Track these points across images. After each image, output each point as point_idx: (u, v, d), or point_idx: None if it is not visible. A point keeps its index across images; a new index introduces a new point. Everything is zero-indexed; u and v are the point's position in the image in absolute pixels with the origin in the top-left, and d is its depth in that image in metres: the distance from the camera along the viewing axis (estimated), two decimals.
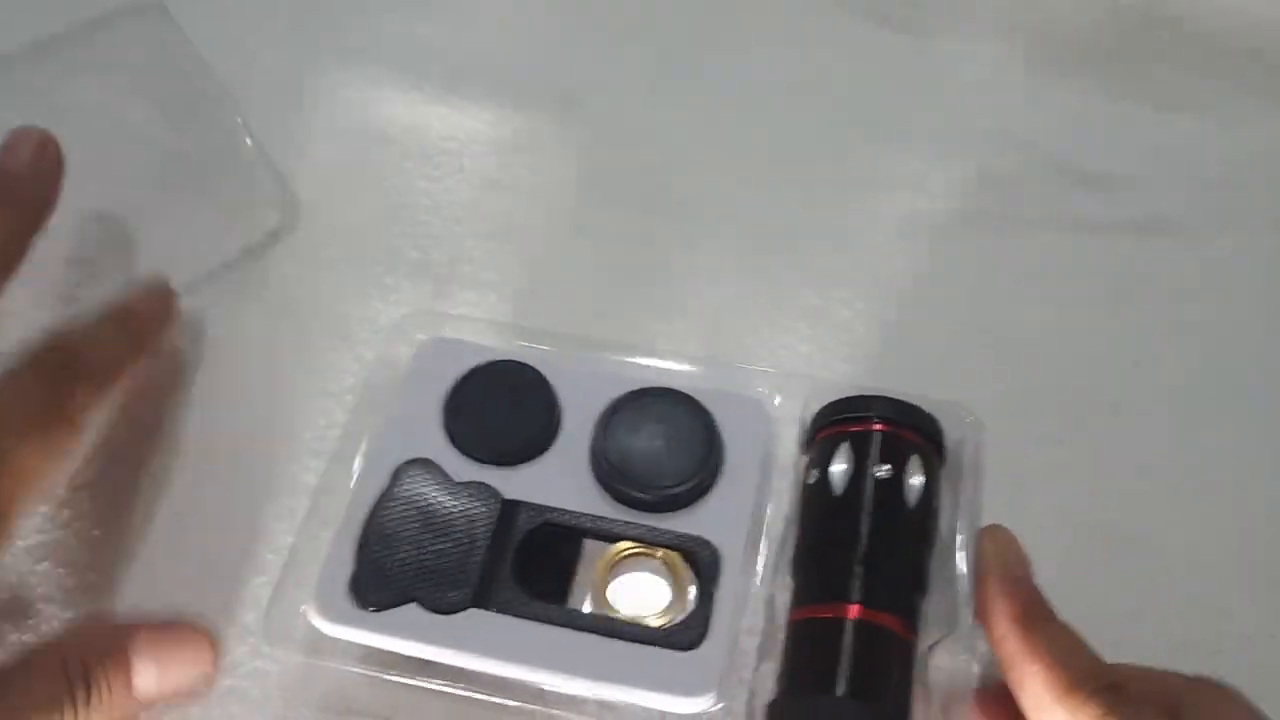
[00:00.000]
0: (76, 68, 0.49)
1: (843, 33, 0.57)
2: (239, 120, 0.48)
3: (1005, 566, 0.34)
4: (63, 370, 0.35)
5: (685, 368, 0.42)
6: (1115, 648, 0.41)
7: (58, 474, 0.35)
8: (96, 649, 0.33)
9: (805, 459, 0.39)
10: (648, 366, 0.42)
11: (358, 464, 0.39)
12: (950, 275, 0.50)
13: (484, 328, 0.43)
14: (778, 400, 0.41)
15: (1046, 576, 0.42)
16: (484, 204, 0.51)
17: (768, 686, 0.35)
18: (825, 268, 0.49)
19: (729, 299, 0.48)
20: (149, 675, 0.33)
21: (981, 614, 0.34)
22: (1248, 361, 0.48)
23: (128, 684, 0.33)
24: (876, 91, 0.56)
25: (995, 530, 0.35)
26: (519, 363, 0.40)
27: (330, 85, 0.54)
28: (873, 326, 0.48)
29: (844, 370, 0.46)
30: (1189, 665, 0.41)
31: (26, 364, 0.35)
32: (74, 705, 0.31)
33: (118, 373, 0.38)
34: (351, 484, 0.38)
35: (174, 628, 0.35)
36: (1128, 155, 0.54)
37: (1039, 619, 0.33)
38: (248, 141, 0.48)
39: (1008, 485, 0.44)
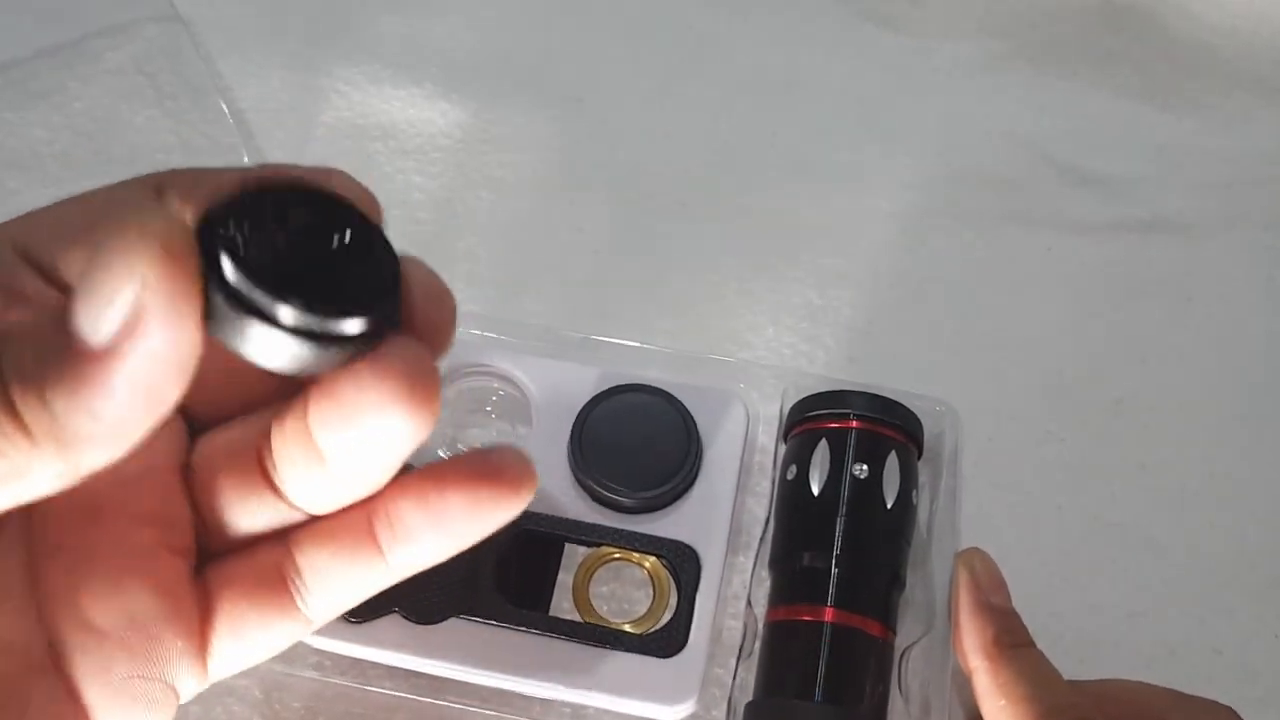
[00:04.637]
0: (91, 73, 0.49)
1: (842, 31, 0.57)
2: (237, 140, 0.49)
3: (979, 592, 0.33)
4: None
5: (663, 360, 0.41)
6: (1115, 648, 0.41)
7: None
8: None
9: (784, 449, 0.39)
10: (626, 359, 0.41)
11: None
12: (950, 274, 0.50)
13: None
14: (756, 393, 0.40)
15: (1047, 575, 0.42)
16: (483, 201, 0.51)
17: (747, 686, 0.35)
18: (825, 266, 0.49)
19: (728, 297, 0.48)
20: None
21: (955, 643, 0.33)
22: (1249, 360, 0.48)
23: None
24: (876, 90, 0.56)
25: (971, 554, 0.35)
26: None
27: (330, 84, 0.53)
28: (872, 325, 0.48)
29: (843, 369, 0.46)
30: (1189, 665, 0.41)
31: None
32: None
33: None
34: None
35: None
36: (1128, 155, 0.54)
37: (1011, 648, 0.32)
38: (245, 160, 0.49)
39: (1009, 484, 0.44)
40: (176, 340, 0.17)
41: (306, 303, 0.18)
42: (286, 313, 0.18)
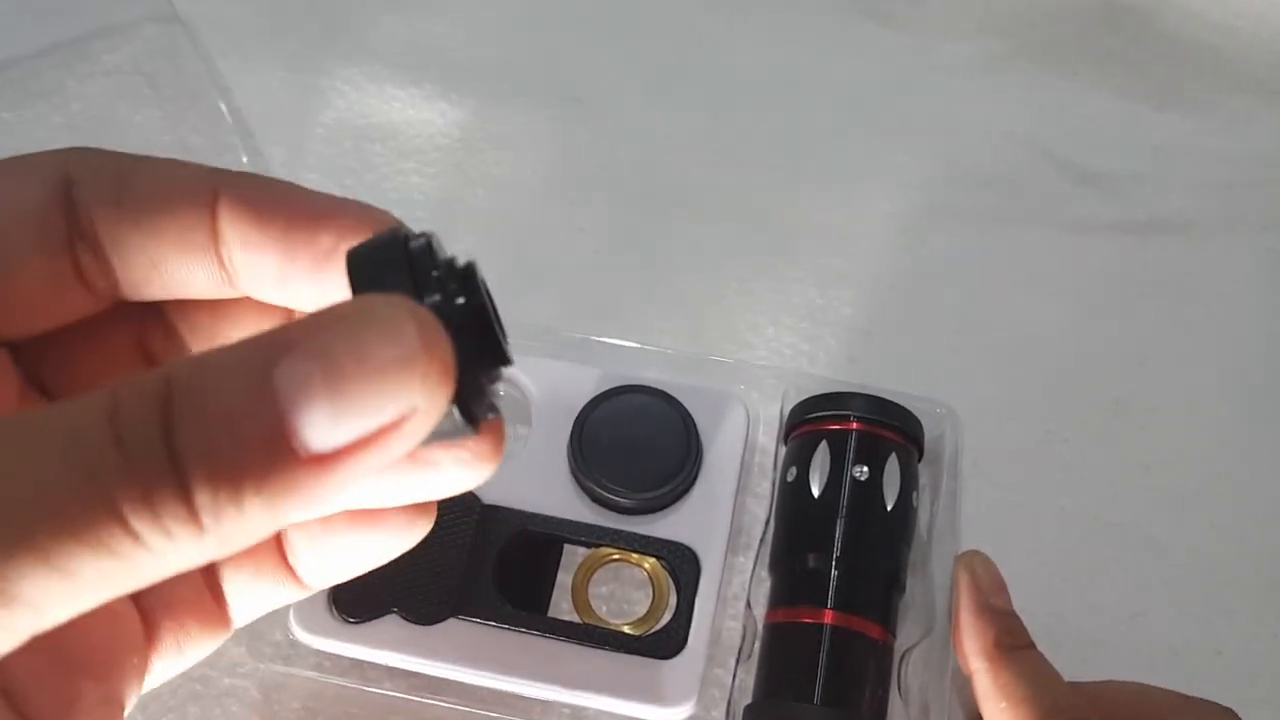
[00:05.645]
0: (90, 73, 0.49)
1: (842, 31, 0.57)
2: (236, 139, 0.49)
3: (980, 594, 0.33)
4: None
5: (663, 361, 0.41)
6: (1116, 649, 0.41)
7: None
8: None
9: (784, 451, 0.39)
10: (626, 359, 0.41)
11: None
12: (950, 274, 0.50)
13: None
14: (756, 395, 0.41)
15: (1048, 576, 0.42)
16: (482, 201, 0.50)
17: (746, 688, 0.35)
18: (825, 266, 0.49)
19: (728, 297, 0.48)
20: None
21: (956, 645, 0.33)
22: (1249, 360, 0.48)
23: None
24: (876, 89, 0.56)
25: (971, 557, 0.35)
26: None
27: (329, 84, 0.53)
28: (872, 324, 0.48)
29: (843, 369, 0.46)
30: (1189, 666, 0.41)
31: None
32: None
33: None
34: None
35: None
36: (1128, 155, 0.54)
37: (1011, 650, 0.32)
38: (244, 160, 0.48)
39: (1010, 485, 0.44)
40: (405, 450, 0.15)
41: (487, 392, 0.17)
42: (490, 409, 0.18)
